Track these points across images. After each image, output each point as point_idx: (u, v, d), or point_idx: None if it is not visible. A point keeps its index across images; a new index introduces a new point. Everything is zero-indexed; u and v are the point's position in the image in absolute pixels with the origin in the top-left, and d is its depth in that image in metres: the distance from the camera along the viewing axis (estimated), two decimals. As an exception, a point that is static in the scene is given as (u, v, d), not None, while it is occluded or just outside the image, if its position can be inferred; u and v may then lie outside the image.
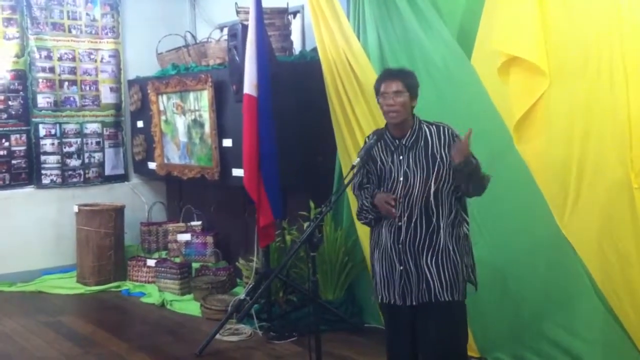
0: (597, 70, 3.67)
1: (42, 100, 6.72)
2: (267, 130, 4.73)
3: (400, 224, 3.25)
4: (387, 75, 3.33)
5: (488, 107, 4.15)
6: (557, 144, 3.90)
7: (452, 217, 3.26)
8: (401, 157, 3.27)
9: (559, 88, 3.86)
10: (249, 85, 4.70)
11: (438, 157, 3.22)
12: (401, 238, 3.25)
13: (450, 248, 3.24)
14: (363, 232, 4.91)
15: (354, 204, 4.92)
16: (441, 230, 3.22)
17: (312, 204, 5.13)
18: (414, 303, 3.25)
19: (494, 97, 4.12)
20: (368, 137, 3.44)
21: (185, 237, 6.48)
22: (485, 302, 4.16)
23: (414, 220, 3.23)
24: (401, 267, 3.26)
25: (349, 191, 4.78)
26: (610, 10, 3.58)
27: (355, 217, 4.94)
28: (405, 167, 3.23)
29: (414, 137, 3.27)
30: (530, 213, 4.02)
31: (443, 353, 3.27)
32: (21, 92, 6.63)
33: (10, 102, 6.57)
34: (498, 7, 4.04)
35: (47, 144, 6.78)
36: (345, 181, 3.34)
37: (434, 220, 3.22)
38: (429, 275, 3.22)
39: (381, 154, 3.33)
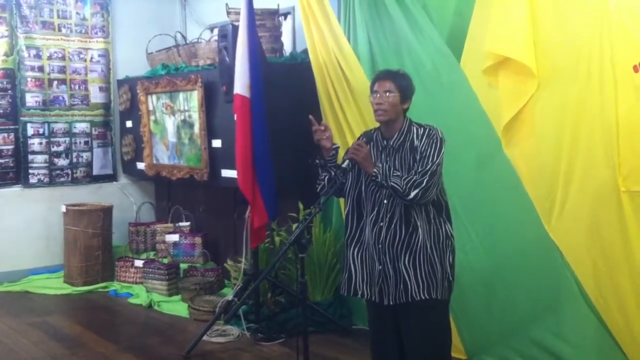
0: (587, 74, 3.68)
1: (31, 99, 6.69)
2: (260, 131, 4.72)
3: (381, 224, 3.28)
4: (381, 74, 3.38)
5: (477, 110, 4.16)
6: (546, 147, 3.91)
7: (433, 217, 3.28)
8: (388, 158, 3.31)
9: (548, 91, 3.88)
10: (241, 86, 4.69)
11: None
12: (381, 238, 3.29)
13: (428, 246, 3.25)
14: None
15: (343, 206, 4.93)
16: (420, 230, 3.24)
17: (301, 206, 5.12)
18: (391, 303, 3.28)
19: (483, 100, 4.14)
20: (358, 138, 3.45)
21: (174, 237, 6.45)
22: (473, 305, 4.18)
23: (394, 221, 3.26)
24: (380, 267, 3.29)
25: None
26: (600, 14, 3.59)
27: (344, 217, 4.99)
28: (392, 169, 3.23)
29: (401, 139, 3.30)
30: (518, 217, 4.03)
31: (424, 351, 3.28)
32: (10, 91, 6.59)
33: (-2, 101, 6.55)
34: (488, 9, 4.05)
35: (35, 143, 6.74)
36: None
37: (414, 220, 3.24)
38: (406, 276, 3.24)
39: (372, 152, 3.36)
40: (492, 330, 4.20)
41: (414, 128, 3.30)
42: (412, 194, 3.14)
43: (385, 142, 3.34)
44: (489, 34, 4.05)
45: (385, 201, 3.29)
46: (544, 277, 3.96)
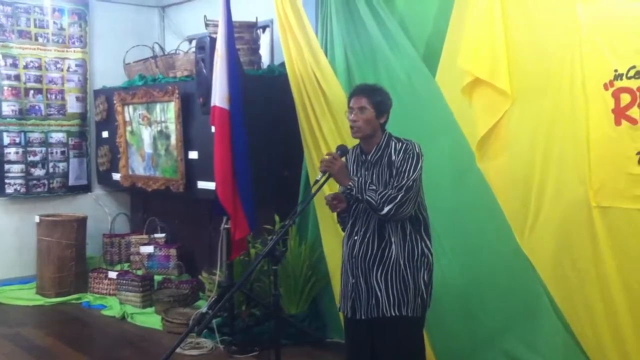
0: (558, 90, 3.73)
1: (7, 109, 6.63)
2: (240, 143, 4.73)
3: (356, 238, 3.29)
4: (355, 91, 3.38)
5: (451, 124, 4.20)
6: (519, 162, 3.95)
7: (408, 234, 3.27)
8: (367, 173, 3.32)
9: (521, 107, 3.93)
10: (220, 98, 4.69)
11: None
12: (354, 252, 3.30)
13: (401, 263, 3.24)
14: (328, 246, 4.93)
15: (320, 218, 4.95)
16: (393, 246, 3.24)
17: (277, 218, 5.12)
18: (363, 317, 3.28)
19: (457, 115, 4.18)
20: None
21: (148, 249, 6.42)
22: (447, 318, 4.20)
23: (368, 235, 3.27)
24: (353, 280, 3.30)
25: (315, 204, 4.83)
26: (571, 32, 3.64)
27: (321, 232, 5.01)
28: (368, 182, 3.25)
29: (379, 153, 3.30)
30: (491, 230, 4.06)
31: None
32: (-15, 100, 6.55)
33: (-27, 110, 6.49)
34: (462, 28, 4.09)
35: (12, 153, 6.67)
36: (313, 190, 3.35)
37: (387, 236, 3.25)
38: (378, 291, 3.25)
39: (352, 167, 3.39)
40: (465, 342, 4.21)
41: (393, 143, 3.30)
42: (386, 209, 3.13)
43: (364, 157, 3.35)
44: (462, 51, 4.09)
45: (362, 215, 3.30)
46: (517, 290, 3.99)
